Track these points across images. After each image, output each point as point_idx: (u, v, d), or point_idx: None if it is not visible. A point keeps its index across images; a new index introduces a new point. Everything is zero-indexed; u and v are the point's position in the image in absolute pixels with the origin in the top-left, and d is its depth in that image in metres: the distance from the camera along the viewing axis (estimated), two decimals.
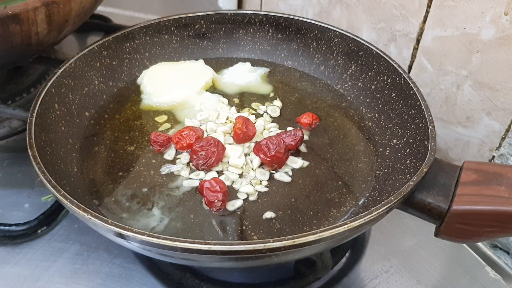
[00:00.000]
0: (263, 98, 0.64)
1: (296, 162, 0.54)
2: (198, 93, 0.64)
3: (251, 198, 0.50)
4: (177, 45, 0.71)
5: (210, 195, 0.48)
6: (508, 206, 0.41)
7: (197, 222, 0.47)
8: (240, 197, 0.50)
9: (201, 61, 0.69)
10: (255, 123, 0.58)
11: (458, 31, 0.58)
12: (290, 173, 0.53)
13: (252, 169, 0.53)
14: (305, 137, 0.58)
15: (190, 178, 0.52)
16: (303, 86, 0.67)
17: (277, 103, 0.63)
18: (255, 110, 0.62)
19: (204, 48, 0.72)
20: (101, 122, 0.60)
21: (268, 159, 0.52)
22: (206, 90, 0.65)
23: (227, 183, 0.51)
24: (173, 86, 0.64)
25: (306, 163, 0.54)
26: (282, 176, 0.52)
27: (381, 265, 0.56)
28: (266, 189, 0.51)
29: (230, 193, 0.50)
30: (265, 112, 0.62)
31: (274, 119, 0.61)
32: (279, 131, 0.58)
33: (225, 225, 0.47)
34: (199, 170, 0.52)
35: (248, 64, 0.69)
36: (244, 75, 0.67)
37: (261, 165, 0.53)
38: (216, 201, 0.48)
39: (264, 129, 0.59)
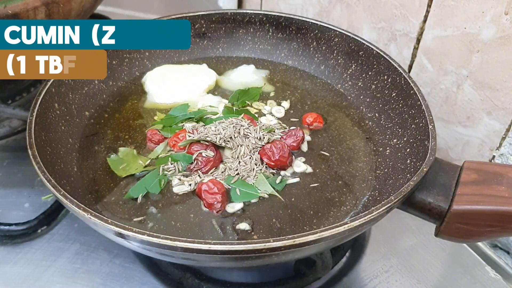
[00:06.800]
0: (263, 98, 0.64)
1: (299, 166, 0.53)
2: (201, 95, 0.64)
3: None
4: None
5: (208, 198, 0.48)
6: (508, 206, 0.41)
7: (197, 222, 0.47)
8: None
9: (204, 65, 0.69)
10: None
11: (459, 31, 0.58)
12: (290, 175, 0.53)
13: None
14: (306, 137, 0.57)
15: (186, 182, 0.51)
16: (303, 86, 0.67)
17: (285, 104, 0.63)
18: (258, 110, 0.62)
19: (204, 47, 0.72)
20: (101, 121, 0.60)
21: (272, 163, 0.52)
22: (208, 92, 0.65)
23: None
24: (176, 87, 0.64)
25: (309, 169, 0.53)
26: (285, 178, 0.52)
27: (381, 264, 0.56)
28: None
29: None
30: (269, 113, 0.61)
31: (276, 119, 0.61)
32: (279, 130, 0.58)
33: (225, 224, 0.47)
34: (192, 173, 0.51)
35: (252, 66, 0.69)
36: (248, 77, 0.67)
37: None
38: (215, 202, 0.48)
39: None
